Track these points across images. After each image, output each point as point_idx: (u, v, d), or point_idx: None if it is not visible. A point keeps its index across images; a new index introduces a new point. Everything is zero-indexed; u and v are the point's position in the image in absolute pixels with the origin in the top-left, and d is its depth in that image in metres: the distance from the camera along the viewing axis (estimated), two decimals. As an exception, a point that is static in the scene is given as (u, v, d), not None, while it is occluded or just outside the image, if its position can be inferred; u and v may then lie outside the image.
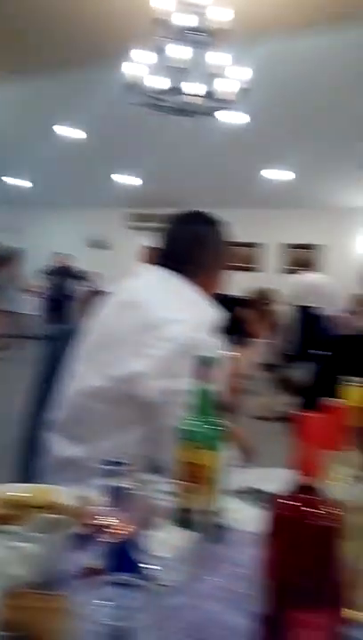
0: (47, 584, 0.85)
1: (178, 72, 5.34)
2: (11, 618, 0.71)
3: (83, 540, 0.96)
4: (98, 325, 1.66)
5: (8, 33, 7.37)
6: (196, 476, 1.08)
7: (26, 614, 0.73)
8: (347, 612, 0.81)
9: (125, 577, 0.58)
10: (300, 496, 0.68)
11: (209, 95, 5.57)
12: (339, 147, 8.60)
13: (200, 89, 5.49)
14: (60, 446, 1.58)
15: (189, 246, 1.66)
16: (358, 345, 2.01)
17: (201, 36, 5.34)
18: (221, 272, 1.72)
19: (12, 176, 13.32)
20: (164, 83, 5.53)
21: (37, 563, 0.81)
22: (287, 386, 5.55)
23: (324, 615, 0.68)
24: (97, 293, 10.03)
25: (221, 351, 1.51)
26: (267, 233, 11.47)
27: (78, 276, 11.31)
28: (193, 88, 5.50)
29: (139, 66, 5.48)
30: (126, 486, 0.83)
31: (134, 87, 5.53)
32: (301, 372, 6.03)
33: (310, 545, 0.67)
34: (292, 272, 10.93)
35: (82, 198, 12.87)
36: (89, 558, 0.95)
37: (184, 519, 0.74)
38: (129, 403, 1.47)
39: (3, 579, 0.78)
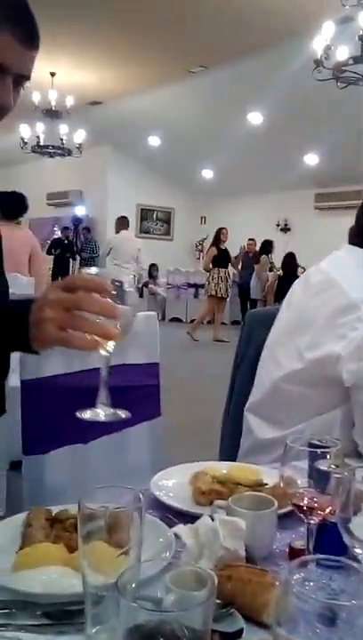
0: (256, 559, 0.88)
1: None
2: (223, 588, 0.75)
3: (287, 520, 0.99)
4: (294, 307, 1.65)
5: (195, 27, 7.56)
6: None
7: (237, 586, 0.77)
8: None
9: (332, 557, 0.58)
10: None
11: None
12: None
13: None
14: (260, 429, 1.62)
15: None
16: None
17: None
18: None
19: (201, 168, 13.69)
20: (352, 52, 5.47)
21: (247, 537, 0.85)
22: None
23: None
24: (284, 277, 10.04)
25: None
26: None
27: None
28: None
29: (327, 39, 5.46)
30: (330, 469, 0.83)
31: (321, 62, 5.46)
32: None
33: None
34: None
35: (265, 183, 12.83)
36: (294, 538, 0.97)
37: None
38: (327, 385, 1.46)
39: (216, 550, 0.82)
